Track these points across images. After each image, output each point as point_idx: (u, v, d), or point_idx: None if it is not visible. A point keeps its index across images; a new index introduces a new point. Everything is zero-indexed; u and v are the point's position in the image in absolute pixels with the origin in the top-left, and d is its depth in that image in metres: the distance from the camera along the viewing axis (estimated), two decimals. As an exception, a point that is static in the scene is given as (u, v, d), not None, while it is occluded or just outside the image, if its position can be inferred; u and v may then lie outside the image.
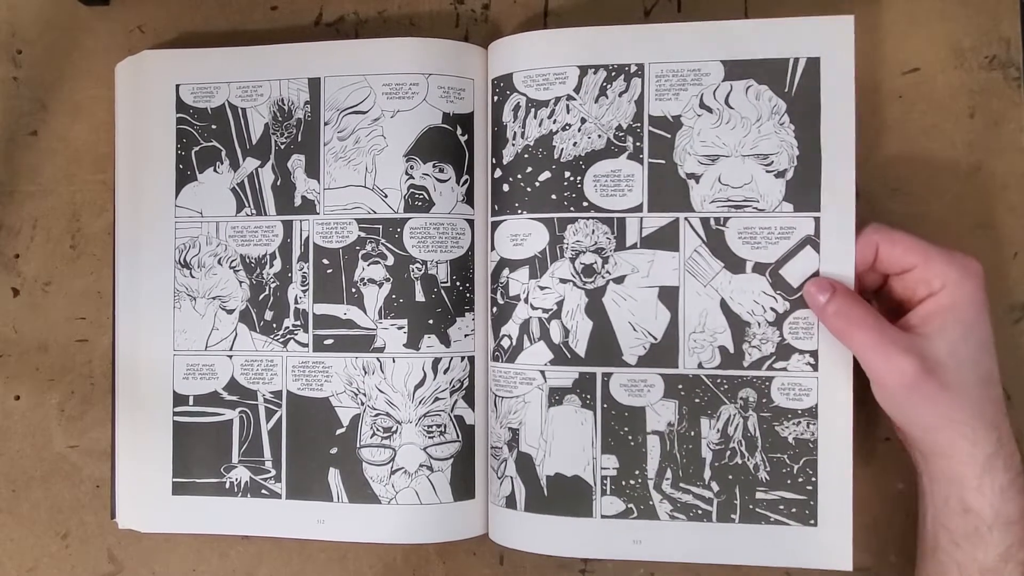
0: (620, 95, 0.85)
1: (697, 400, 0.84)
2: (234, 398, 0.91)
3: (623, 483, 0.85)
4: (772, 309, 0.83)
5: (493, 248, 0.88)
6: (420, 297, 0.88)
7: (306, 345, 0.90)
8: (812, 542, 0.83)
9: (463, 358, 0.89)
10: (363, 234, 0.89)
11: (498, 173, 0.88)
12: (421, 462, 0.88)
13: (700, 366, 0.84)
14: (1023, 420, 0.85)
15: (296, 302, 0.90)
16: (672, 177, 0.84)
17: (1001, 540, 0.74)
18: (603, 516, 0.85)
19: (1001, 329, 0.84)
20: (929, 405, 0.75)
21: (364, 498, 0.89)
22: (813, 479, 0.83)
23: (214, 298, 0.91)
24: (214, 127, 0.91)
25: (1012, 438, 0.75)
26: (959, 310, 0.74)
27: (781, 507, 0.83)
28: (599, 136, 0.85)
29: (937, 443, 0.76)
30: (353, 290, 0.89)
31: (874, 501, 0.87)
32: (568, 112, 0.85)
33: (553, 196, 0.85)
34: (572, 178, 0.85)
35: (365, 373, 0.89)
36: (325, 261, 0.89)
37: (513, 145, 0.86)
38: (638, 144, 0.84)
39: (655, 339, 0.84)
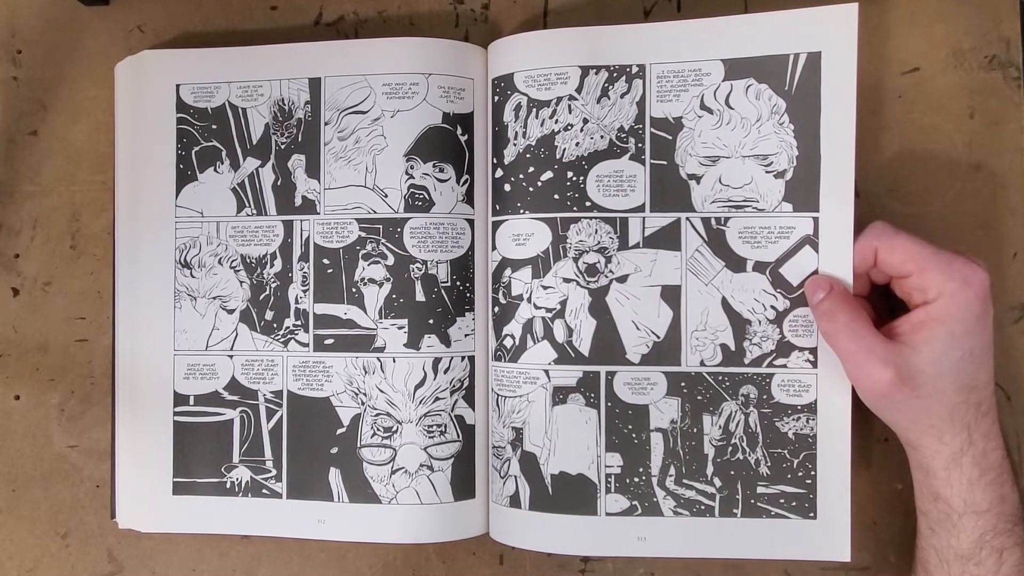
0: (622, 96, 0.85)
1: (699, 397, 0.85)
2: (235, 398, 0.91)
3: (627, 481, 0.85)
4: (772, 307, 0.84)
5: (494, 248, 0.88)
6: (420, 297, 0.88)
7: (306, 345, 0.90)
8: (812, 535, 0.84)
9: (463, 358, 0.89)
10: (363, 234, 0.89)
11: (499, 173, 0.88)
12: (421, 462, 0.88)
13: (702, 364, 0.85)
14: (1022, 420, 0.86)
15: (296, 302, 0.90)
16: (673, 178, 0.85)
17: (973, 528, 0.76)
18: (608, 514, 0.85)
19: (1001, 329, 0.85)
20: (900, 410, 0.77)
21: (364, 498, 0.89)
22: (812, 473, 0.84)
23: (215, 298, 0.91)
24: (214, 127, 0.91)
25: (990, 436, 0.77)
26: (949, 323, 0.74)
27: (782, 501, 0.84)
28: (601, 137, 0.85)
29: (907, 437, 0.79)
30: (353, 290, 0.89)
31: (873, 502, 0.87)
32: (570, 112, 0.85)
33: (556, 196, 0.85)
34: (575, 178, 0.85)
35: (365, 373, 0.89)
36: (325, 261, 0.89)
37: (515, 145, 0.87)
38: (640, 145, 0.85)
39: (658, 337, 0.85)
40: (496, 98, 0.88)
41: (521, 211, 0.86)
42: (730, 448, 0.84)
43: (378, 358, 0.89)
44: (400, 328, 0.88)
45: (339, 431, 0.89)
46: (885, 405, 0.78)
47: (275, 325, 0.91)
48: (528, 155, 0.86)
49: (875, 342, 0.76)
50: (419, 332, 0.88)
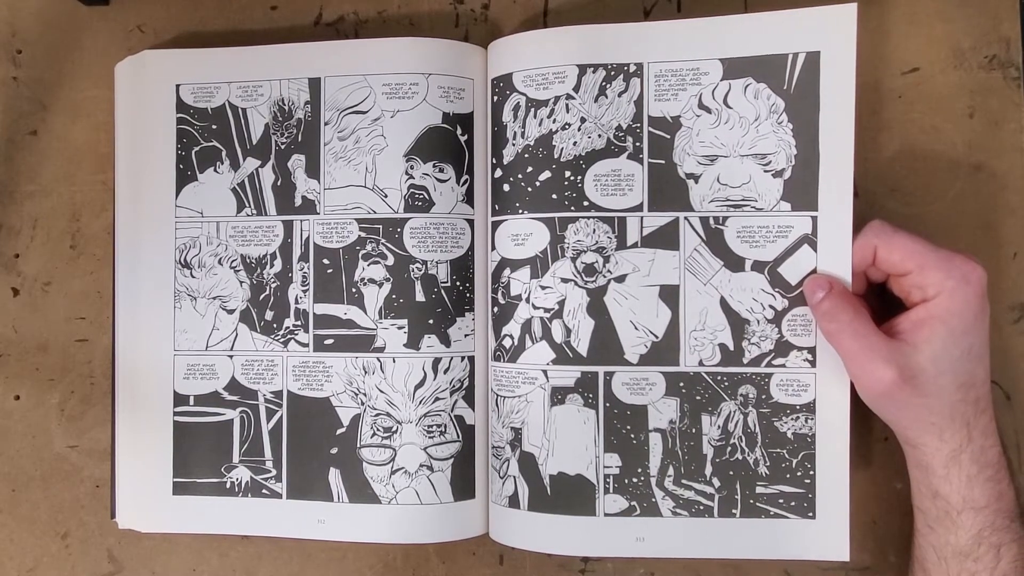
0: (620, 95, 0.85)
1: (698, 397, 0.85)
2: (235, 398, 0.91)
3: (626, 481, 0.85)
4: (771, 307, 0.84)
5: (494, 248, 0.88)
6: (420, 297, 0.88)
7: (306, 345, 0.90)
8: (810, 534, 0.84)
9: (463, 358, 0.89)
10: (363, 234, 0.89)
11: (498, 173, 0.88)
12: (421, 462, 0.88)
13: (701, 364, 0.84)
14: (1022, 420, 0.86)
15: (296, 302, 0.90)
16: (672, 177, 0.85)
17: (971, 524, 0.76)
18: (606, 514, 0.85)
19: (1001, 329, 0.85)
20: (902, 408, 0.77)
21: (364, 498, 0.89)
22: (811, 473, 0.83)
23: (215, 298, 0.91)
24: (214, 127, 0.91)
25: (988, 434, 0.77)
26: (950, 320, 0.75)
27: (780, 501, 0.84)
28: (599, 136, 0.85)
29: (907, 436, 0.79)
30: (353, 290, 0.89)
31: (873, 501, 0.87)
32: (568, 112, 0.85)
33: (554, 196, 0.85)
34: (572, 177, 0.85)
35: (365, 373, 0.89)
36: (325, 261, 0.90)
37: (513, 145, 0.87)
38: (638, 144, 0.85)
39: (656, 337, 0.85)
40: (495, 98, 0.88)
41: (520, 211, 0.86)
42: (729, 448, 0.84)
43: (378, 358, 0.89)
44: (400, 328, 0.88)
45: (339, 431, 0.89)
46: (887, 404, 0.77)
47: (275, 325, 0.91)
48: (527, 155, 0.86)
49: (877, 341, 0.76)
50: (419, 332, 0.88)
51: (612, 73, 0.85)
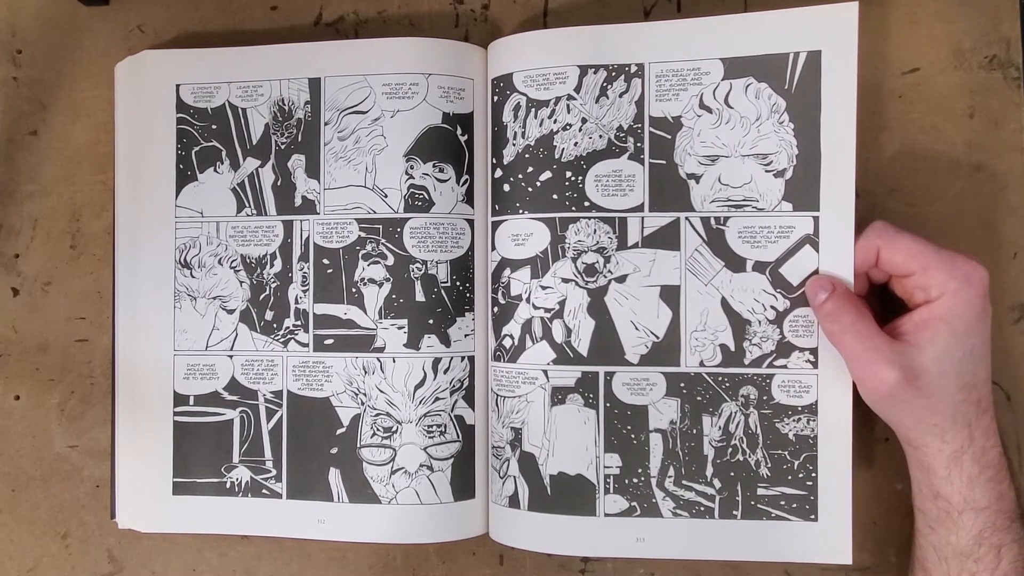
0: (621, 95, 0.85)
1: (699, 398, 0.84)
2: (235, 398, 0.91)
3: (626, 481, 0.85)
4: (772, 307, 0.84)
5: (494, 248, 0.88)
6: (420, 297, 0.88)
7: (306, 345, 0.90)
8: (812, 537, 0.83)
9: (463, 358, 0.89)
10: (363, 234, 0.89)
11: (499, 173, 0.88)
12: (421, 462, 0.88)
13: (702, 364, 0.84)
14: (1022, 420, 0.86)
15: (296, 302, 0.90)
16: (673, 177, 0.84)
17: (972, 525, 0.76)
18: (606, 514, 0.85)
19: (1001, 329, 0.85)
20: (905, 409, 0.77)
21: (364, 498, 0.88)
22: (813, 475, 0.83)
23: (214, 298, 0.91)
24: (214, 127, 0.91)
25: (989, 434, 0.77)
26: (953, 321, 0.74)
27: (782, 503, 0.84)
28: (600, 136, 0.85)
29: (909, 437, 0.79)
30: (353, 290, 0.89)
31: (874, 501, 0.87)
32: (569, 112, 0.85)
33: (554, 196, 0.85)
34: (573, 178, 0.85)
35: (365, 373, 0.89)
36: (325, 261, 0.89)
37: (514, 145, 0.86)
38: (639, 145, 0.85)
39: (657, 338, 0.85)
40: (495, 98, 0.88)
41: (520, 211, 0.86)
42: (730, 449, 0.84)
43: (378, 358, 0.89)
44: (400, 328, 0.88)
45: (339, 431, 0.89)
46: (889, 405, 0.77)
47: (275, 325, 0.90)
48: (527, 155, 0.86)
49: (880, 342, 0.76)
50: (419, 332, 0.88)
51: (613, 74, 0.85)
